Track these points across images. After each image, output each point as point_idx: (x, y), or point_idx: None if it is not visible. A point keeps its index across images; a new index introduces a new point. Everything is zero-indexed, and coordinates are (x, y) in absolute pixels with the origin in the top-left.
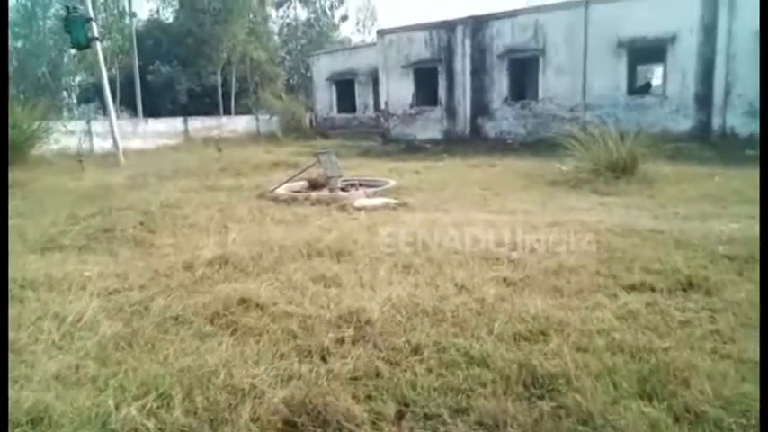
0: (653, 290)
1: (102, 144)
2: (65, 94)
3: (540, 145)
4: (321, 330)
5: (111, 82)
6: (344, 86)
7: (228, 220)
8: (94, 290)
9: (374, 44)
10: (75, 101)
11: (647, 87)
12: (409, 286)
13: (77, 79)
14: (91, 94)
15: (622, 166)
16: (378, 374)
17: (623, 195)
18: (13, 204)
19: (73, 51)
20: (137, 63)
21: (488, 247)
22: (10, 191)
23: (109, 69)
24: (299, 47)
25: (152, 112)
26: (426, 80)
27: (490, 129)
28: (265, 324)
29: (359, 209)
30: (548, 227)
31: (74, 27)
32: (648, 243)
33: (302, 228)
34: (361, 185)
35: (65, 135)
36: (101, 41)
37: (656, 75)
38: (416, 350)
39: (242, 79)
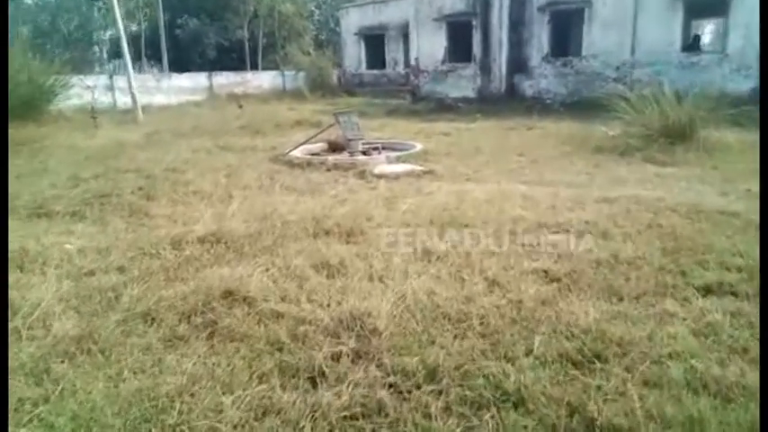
0: (734, 294)
1: (124, 99)
2: (96, 48)
3: (582, 106)
4: (315, 340)
5: (137, 36)
6: (374, 41)
7: (234, 186)
8: (68, 270)
9: None
10: (105, 55)
11: (696, 42)
12: (429, 280)
13: (108, 33)
14: (119, 48)
15: (679, 132)
16: (380, 411)
17: (682, 166)
18: (18, 164)
19: (100, 3)
20: (162, 16)
21: (526, 227)
22: (21, 148)
23: (137, 23)
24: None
25: (180, 66)
26: (460, 34)
27: (528, 87)
28: (249, 327)
29: (379, 176)
30: (596, 203)
31: None
32: (721, 228)
33: (313, 198)
34: (384, 149)
35: (88, 90)
36: None
37: (702, 30)
38: (433, 376)
39: (270, 34)
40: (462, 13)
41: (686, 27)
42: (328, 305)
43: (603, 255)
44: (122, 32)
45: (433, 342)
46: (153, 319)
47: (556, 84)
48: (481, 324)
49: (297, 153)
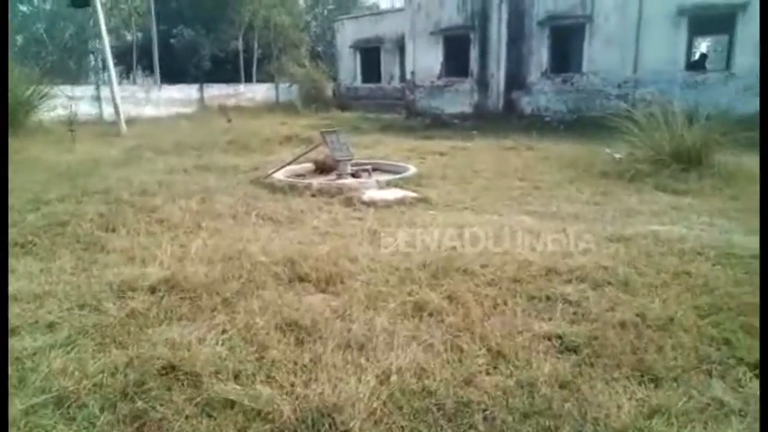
0: None
1: (111, 111)
2: (91, 57)
3: (582, 124)
4: None
5: (129, 46)
6: (369, 54)
7: (205, 215)
8: None
9: (402, 9)
10: (100, 64)
11: (702, 61)
12: (420, 350)
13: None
14: (114, 58)
15: (693, 156)
16: None
17: (698, 195)
18: None
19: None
20: (155, 26)
21: (534, 273)
22: None
23: (131, 32)
24: (325, 12)
25: (175, 77)
26: (457, 49)
27: (526, 104)
28: (187, 423)
29: (368, 204)
30: (609, 242)
31: None
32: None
33: (291, 231)
34: (375, 170)
35: (72, 101)
36: None
37: (701, 48)
38: None
39: (265, 45)
40: (460, 27)
41: (690, 44)
42: (292, 386)
43: (628, 314)
44: (107, 43)
45: None
46: (68, 406)
47: (555, 101)
48: (485, 420)
49: (281, 175)
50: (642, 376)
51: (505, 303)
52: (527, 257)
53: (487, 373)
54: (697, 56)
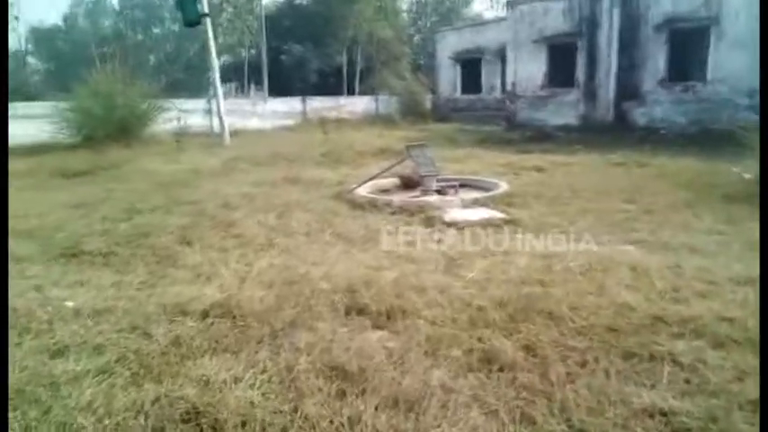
0: None
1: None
2: (209, 73)
3: (704, 138)
4: None
5: (242, 62)
6: (470, 65)
7: (280, 231)
8: (43, 344)
9: (504, 18)
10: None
11: None
12: (481, 417)
13: (222, 59)
14: (230, 74)
15: None
16: None
17: None
18: (85, 191)
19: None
20: (265, 43)
21: (636, 322)
22: (98, 172)
23: (245, 49)
24: (428, 24)
25: (283, 91)
26: (561, 57)
27: (639, 116)
28: None
29: (449, 224)
30: (736, 285)
31: (186, 3)
32: None
33: (362, 252)
34: (462, 186)
35: (185, 114)
36: (210, 17)
37: None
38: None
39: (368, 58)
40: (565, 34)
41: None
42: None
43: None
44: (214, 59)
45: None
46: None
47: (673, 112)
48: None
49: (364, 190)
50: None
51: (596, 361)
52: (628, 300)
53: None
54: None
